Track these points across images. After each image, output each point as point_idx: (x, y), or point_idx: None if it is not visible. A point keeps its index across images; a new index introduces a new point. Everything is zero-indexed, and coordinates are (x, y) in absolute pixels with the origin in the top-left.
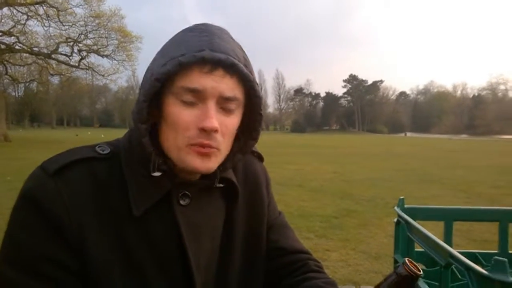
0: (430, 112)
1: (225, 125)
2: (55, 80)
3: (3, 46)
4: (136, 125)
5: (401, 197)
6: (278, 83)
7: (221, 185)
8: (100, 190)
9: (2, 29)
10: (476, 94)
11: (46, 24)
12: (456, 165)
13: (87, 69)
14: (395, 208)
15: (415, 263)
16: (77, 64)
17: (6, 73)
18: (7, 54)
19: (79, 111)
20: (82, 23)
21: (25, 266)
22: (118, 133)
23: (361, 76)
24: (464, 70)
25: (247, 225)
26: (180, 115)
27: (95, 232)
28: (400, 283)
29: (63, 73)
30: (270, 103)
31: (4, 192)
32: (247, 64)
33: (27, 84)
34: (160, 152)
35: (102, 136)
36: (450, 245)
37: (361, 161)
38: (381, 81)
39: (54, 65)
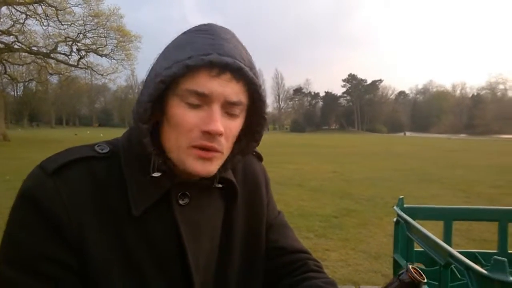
0: (429, 111)
1: (229, 128)
2: (54, 79)
3: (1, 46)
4: (138, 125)
5: (401, 197)
6: (278, 82)
7: (220, 186)
8: (99, 190)
9: (1, 28)
10: (475, 94)
11: (45, 24)
12: (455, 164)
13: (86, 68)
14: (395, 207)
15: (418, 269)
16: (76, 64)
17: (5, 73)
18: (6, 54)
19: (78, 111)
20: (81, 22)
21: (25, 265)
22: (117, 133)
23: (361, 75)
24: (463, 70)
25: (246, 225)
26: (185, 117)
27: (94, 231)
28: None
29: (62, 73)
30: (270, 103)
31: (3, 191)
32: (252, 67)
33: (26, 84)
34: (161, 152)
35: (101, 135)
36: (450, 245)
37: (360, 161)
38: (380, 81)
39: (53, 65)
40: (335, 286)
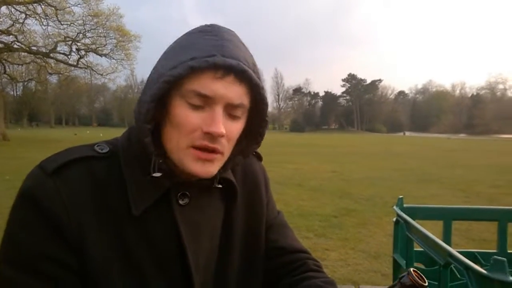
0: (428, 111)
1: (231, 130)
2: (54, 79)
3: (1, 45)
4: (140, 125)
5: (400, 197)
6: (277, 82)
7: (220, 186)
8: (99, 189)
9: (0, 28)
10: (475, 94)
11: (44, 23)
12: (455, 164)
13: (85, 68)
14: (394, 207)
15: (420, 273)
16: (75, 63)
17: (5, 72)
18: (5, 53)
19: (77, 110)
20: (80, 22)
21: (24, 264)
22: (116, 132)
23: (360, 75)
24: (463, 70)
25: (246, 225)
26: (187, 117)
27: (94, 231)
28: None
29: (62, 72)
30: (269, 103)
31: (3, 191)
32: (255, 69)
33: (25, 83)
34: (161, 152)
35: (101, 135)
36: (449, 245)
37: (360, 160)
38: (380, 80)
39: (53, 64)
40: (334, 286)
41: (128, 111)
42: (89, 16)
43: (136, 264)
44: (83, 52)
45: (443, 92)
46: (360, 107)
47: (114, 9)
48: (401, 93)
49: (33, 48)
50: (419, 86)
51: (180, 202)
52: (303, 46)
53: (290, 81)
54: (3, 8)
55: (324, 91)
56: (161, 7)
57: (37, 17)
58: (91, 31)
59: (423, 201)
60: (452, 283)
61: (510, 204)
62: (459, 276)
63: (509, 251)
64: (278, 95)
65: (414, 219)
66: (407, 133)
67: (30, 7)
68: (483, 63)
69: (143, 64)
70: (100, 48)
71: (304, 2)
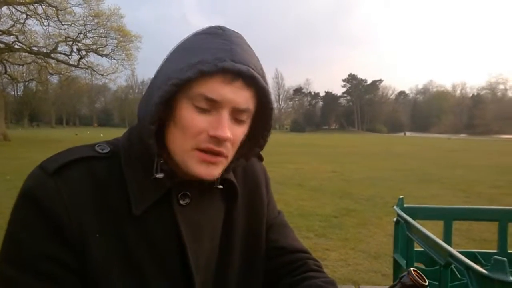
0: (429, 111)
1: (236, 134)
2: (54, 79)
3: (2, 45)
4: (145, 126)
5: (401, 197)
6: (278, 82)
7: (221, 186)
8: (99, 189)
9: (1, 28)
10: (475, 94)
11: (45, 23)
12: (455, 164)
13: (86, 68)
14: (395, 207)
15: (420, 273)
16: (76, 64)
17: (5, 72)
18: (6, 53)
19: (78, 111)
20: (81, 22)
21: (25, 264)
22: (117, 133)
23: (361, 75)
24: (463, 70)
25: (246, 225)
26: (194, 120)
27: (94, 231)
28: None
29: (62, 73)
30: None
31: (3, 191)
32: (263, 74)
33: (26, 83)
34: (163, 153)
35: (101, 135)
36: (450, 245)
37: (360, 161)
38: (381, 81)
39: (53, 65)
40: (335, 286)
41: (128, 112)
42: (90, 17)
43: (136, 264)
44: (84, 53)
45: (443, 92)
46: (360, 107)
47: (115, 9)
48: (402, 93)
49: (34, 48)
50: (420, 86)
51: (181, 202)
52: (303, 46)
53: (291, 81)
54: (4, 8)
55: (325, 91)
56: (161, 7)
57: (38, 18)
58: (92, 31)
59: (424, 201)
60: (452, 283)
61: (511, 205)
62: (459, 276)
63: (509, 251)
64: (279, 95)
65: (414, 219)
66: (408, 133)
67: (31, 7)
68: (483, 63)
69: (144, 64)
70: (101, 49)
71: (304, 2)
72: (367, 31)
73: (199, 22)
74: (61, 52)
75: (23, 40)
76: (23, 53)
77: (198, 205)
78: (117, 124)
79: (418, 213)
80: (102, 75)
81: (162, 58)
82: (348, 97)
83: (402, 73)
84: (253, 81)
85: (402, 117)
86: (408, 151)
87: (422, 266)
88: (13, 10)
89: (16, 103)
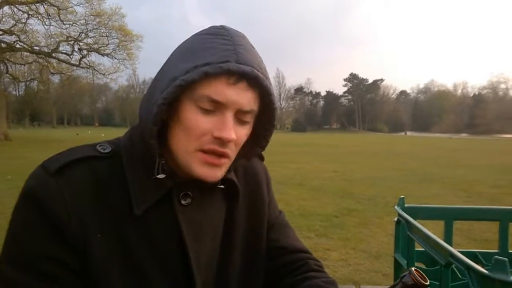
0: (430, 111)
1: (239, 135)
2: (56, 79)
3: (3, 45)
4: (148, 126)
5: (402, 196)
6: (279, 82)
7: (222, 186)
8: (101, 189)
9: (3, 28)
10: (477, 93)
11: (46, 23)
12: (456, 164)
13: (87, 68)
14: (396, 207)
15: (421, 272)
16: (77, 63)
17: (7, 72)
18: (7, 53)
19: (79, 110)
20: (82, 21)
21: (26, 264)
22: (118, 132)
23: (362, 75)
24: (464, 69)
25: (247, 224)
26: (198, 121)
27: (96, 230)
28: None
29: (64, 72)
30: None
31: (5, 191)
32: (267, 75)
33: (27, 83)
34: (164, 153)
35: (102, 135)
36: (451, 245)
37: (361, 160)
38: (382, 80)
39: (55, 64)
40: (335, 286)
41: (130, 111)
42: (91, 16)
43: (137, 264)
44: (85, 52)
45: (444, 91)
46: (361, 106)
47: (117, 8)
48: (403, 92)
49: (35, 48)
50: (421, 86)
51: (182, 202)
52: (304, 46)
53: (292, 81)
54: (6, 8)
55: (326, 91)
56: (161, 7)
57: (39, 17)
58: (93, 30)
59: (425, 201)
60: (453, 283)
61: None
62: (460, 276)
63: (510, 251)
64: (280, 95)
65: (415, 219)
66: (409, 133)
67: (33, 7)
68: (485, 63)
69: (145, 64)
70: (102, 48)
71: (304, 2)
72: (368, 30)
73: (200, 22)
74: (63, 51)
75: (25, 39)
76: (25, 53)
77: (199, 205)
78: (118, 123)
79: (419, 213)
80: (104, 74)
81: (163, 57)
82: (349, 97)
83: (403, 72)
84: (257, 82)
85: (403, 117)
86: (409, 151)
87: (423, 266)
88: (15, 9)
89: (17, 102)
